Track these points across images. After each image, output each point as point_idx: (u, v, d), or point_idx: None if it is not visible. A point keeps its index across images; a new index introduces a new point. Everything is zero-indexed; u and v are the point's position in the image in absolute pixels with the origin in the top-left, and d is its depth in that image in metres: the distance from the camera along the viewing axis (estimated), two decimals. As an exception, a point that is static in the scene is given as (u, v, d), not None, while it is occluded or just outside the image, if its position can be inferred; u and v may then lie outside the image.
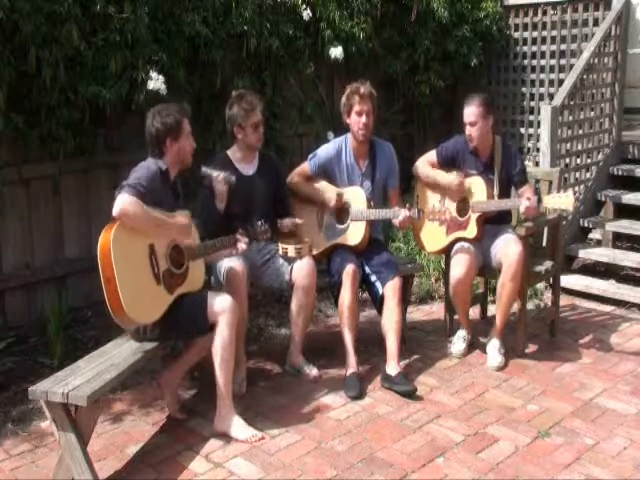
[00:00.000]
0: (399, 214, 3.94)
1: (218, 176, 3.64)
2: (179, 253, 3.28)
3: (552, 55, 6.58)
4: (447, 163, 4.24)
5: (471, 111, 4.04)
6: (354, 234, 4.03)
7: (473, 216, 4.05)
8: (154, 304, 3.14)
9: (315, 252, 3.98)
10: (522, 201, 3.92)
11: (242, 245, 3.51)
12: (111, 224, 3.01)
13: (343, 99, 4.05)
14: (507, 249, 3.97)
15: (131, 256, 3.04)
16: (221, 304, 3.27)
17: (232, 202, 3.74)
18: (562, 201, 3.82)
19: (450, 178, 4.13)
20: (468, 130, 4.06)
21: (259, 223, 3.63)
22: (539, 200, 3.92)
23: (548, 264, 4.34)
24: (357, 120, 3.99)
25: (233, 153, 3.94)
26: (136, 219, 3.02)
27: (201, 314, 3.26)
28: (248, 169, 3.93)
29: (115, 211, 2.99)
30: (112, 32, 4.01)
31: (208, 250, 3.43)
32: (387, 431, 3.37)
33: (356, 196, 4.05)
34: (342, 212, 4.09)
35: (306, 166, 4.18)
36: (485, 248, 4.12)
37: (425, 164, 4.29)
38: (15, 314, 4.27)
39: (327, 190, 4.08)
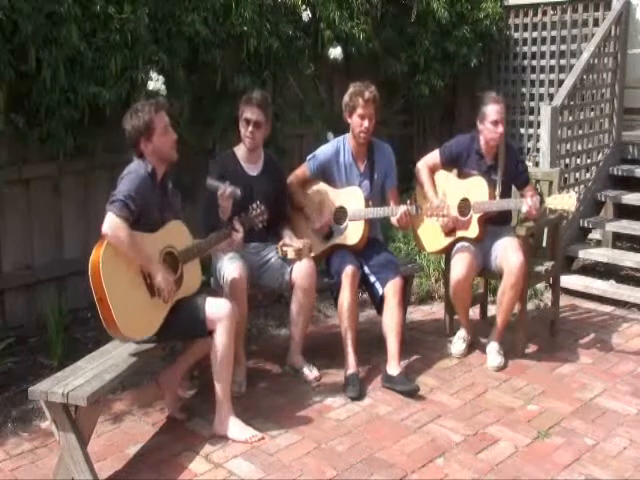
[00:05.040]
0: (397, 211, 3.93)
1: (224, 192, 3.53)
2: (173, 259, 3.24)
3: (552, 55, 6.59)
4: (450, 163, 4.24)
5: (499, 109, 4.01)
6: (353, 233, 4.02)
7: (475, 216, 4.04)
8: (150, 318, 3.12)
9: (314, 253, 3.98)
10: (524, 201, 3.91)
11: (238, 235, 3.49)
12: (101, 241, 2.97)
13: (346, 98, 4.03)
14: (508, 256, 3.95)
15: (122, 273, 3.00)
16: (219, 310, 3.25)
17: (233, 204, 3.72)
18: (564, 202, 3.82)
19: (435, 200, 4.10)
20: (499, 128, 4.00)
21: (253, 206, 3.59)
22: (541, 200, 3.91)
23: (548, 264, 4.34)
24: (359, 123, 3.98)
25: (239, 151, 3.94)
26: (121, 247, 2.98)
27: (199, 320, 3.24)
28: (253, 169, 3.93)
29: (104, 229, 2.96)
30: (112, 32, 4.01)
31: (202, 250, 3.39)
32: (387, 431, 3.37)
33: (354, 196, 4.05)
34: (340, 213, 4.09)
35: (305, 168, 4.17)
36: (486, 249, 4.12)
37: (426, 168, 4.27)
38: (15, 314, 4.27)
39: (317, 210, 4.08)
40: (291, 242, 3.83)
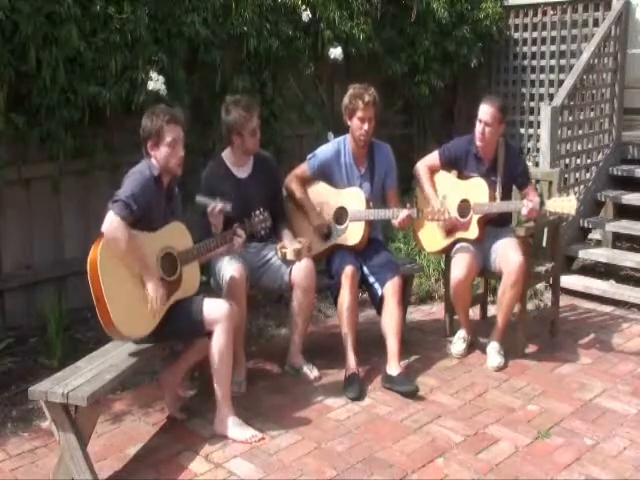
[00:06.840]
0: (398, 214, 3.93)
1: (214, 209, 3.50)
2: (172, 259, 3.23)
3: (552, 55, 6.59)
4: (449, 164, 4.23)
5: (489, 111, 4.00)
6: (353, 234, 4.02)
7: (474, 217, 4.04)
8: (148, 317, 3.12)
9: (314, 253, 3.98)
10: (524, 203, 3.90)
11: (239, 240, 3.47)
12: (99, 240, 2.98)
13: (345, 100, 4.02)
14: (507, 256, 3.95)
15: (120, 271, 3.01)
16: (218, 312, 3.24)
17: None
18: (565, 205, 3.80)
19: (436, 203, 4.07)
20: (481, 128, 4.01)
21: (257, 212, 3.59)
22: (541, 203, 3.90)
23: (548, 264, 4.34)
24: (359, 125, 3.97)
25: (228, 155, 3.90)
26: (118, 249, 2.98)
27: (198, 321, 3.24)
28: (242, 172, 3.90)
29: (104, 229, 2.97)
30: (112, 32, 4.02)
31: (202, 252, 3.38)
32: (387, 431, 3.37)
33: (355, 196, 4.05)
34: (341, 213, 4.09)
35: (305, 167, 4.17)
36: (486, 249, 4.12)
37: (425, 168, 4.26)
38: (15, 314, 4.27)
39: (317, 208, 4.07)
40: (290, 243, 3.82)
